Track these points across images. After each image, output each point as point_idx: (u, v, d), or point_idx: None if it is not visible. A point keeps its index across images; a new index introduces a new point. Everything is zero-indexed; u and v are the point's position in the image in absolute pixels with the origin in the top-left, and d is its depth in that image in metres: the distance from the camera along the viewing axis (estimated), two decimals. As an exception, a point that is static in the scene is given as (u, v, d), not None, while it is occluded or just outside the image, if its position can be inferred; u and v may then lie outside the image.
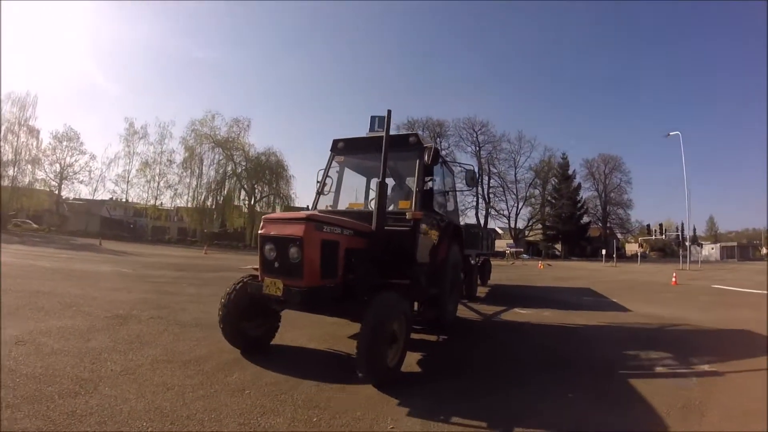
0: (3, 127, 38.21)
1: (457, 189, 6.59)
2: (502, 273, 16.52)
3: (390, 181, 5.28)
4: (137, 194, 43.68)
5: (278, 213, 3.76)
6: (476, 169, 46.20)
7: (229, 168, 40.93)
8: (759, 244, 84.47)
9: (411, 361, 3.65)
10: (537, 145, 55.98)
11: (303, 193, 68.40)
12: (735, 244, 73.53)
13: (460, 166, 6.01)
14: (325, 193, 5.19)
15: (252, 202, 41.82)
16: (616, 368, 3.78)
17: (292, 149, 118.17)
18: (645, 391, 3.11)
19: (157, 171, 42.26)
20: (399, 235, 4.21)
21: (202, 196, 40.25)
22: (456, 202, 6.74)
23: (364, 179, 5.93)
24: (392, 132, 4.14)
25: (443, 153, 33.52)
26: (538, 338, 5.25)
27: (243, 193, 42.04)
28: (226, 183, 40.95)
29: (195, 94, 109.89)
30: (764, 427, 2.14)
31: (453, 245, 5.38)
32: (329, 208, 5.11)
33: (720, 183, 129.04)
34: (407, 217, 4.28)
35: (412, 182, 5.03)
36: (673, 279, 14.85)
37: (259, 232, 3.46)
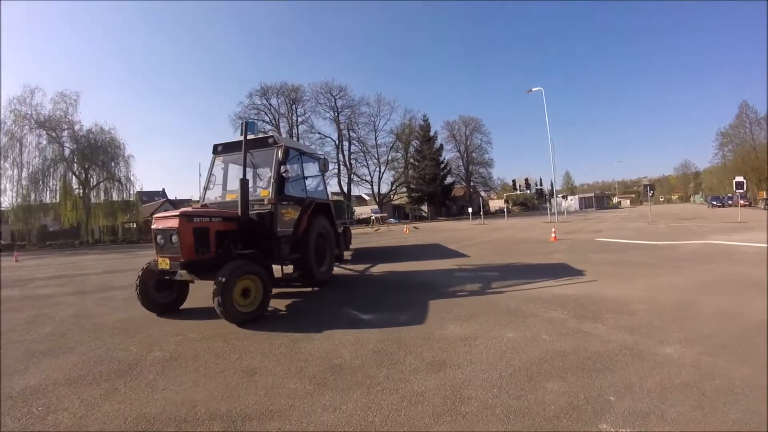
0: None
1: (310, 176, 7.52)
2: (362, 242, 16.85)
3: (264, 173, 6.91)
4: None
5: (164, 212, 4.88)
6: (329, 157, 42.00)
7: (53, 152, 34.06)
8: (611, 194, 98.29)
9: (281, 305, 5.48)
10: (396, 107, 57.41)
11: (145, 175, 44.34)
12: (592, 195, 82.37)
13: (315, 155, 7.74)
14: (211, 188, 6.55)
15: (86, 190, 35.74)
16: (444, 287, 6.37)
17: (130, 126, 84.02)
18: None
19: (-31, 166, 31.73)
20: (263, 216, 5.79)
21: (26, 190, 32.96)
22: (324, 182, 8.26)
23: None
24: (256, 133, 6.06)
25: (300, 120, 41.47)
26: (394, 278, 7.59)
27: (75, 180, 35.59)
28: (54, 170, 34.17)
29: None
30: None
31: (318, 218, 6.90)
32: (218, 200, 6.52)
33: (574, 140, 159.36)
34: (265, 202, 5.90)
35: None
36: (553, 234, 14.23)
37: (152, 226, 4.92)
